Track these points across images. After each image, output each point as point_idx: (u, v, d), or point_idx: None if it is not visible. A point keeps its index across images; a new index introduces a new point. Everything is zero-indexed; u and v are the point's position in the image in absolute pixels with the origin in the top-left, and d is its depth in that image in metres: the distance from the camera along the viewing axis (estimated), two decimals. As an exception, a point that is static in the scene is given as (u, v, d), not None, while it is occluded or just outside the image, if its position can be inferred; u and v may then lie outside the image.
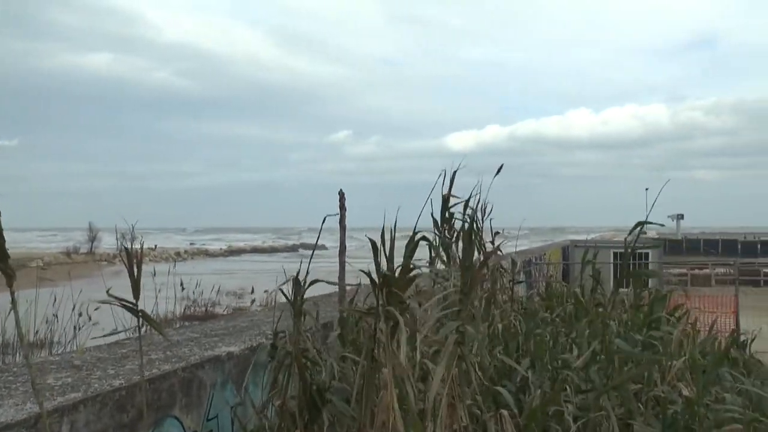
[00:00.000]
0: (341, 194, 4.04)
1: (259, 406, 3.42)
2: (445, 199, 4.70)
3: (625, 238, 4.26)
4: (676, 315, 6.06)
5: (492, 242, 5.42)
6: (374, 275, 2.99)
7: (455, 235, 4.70)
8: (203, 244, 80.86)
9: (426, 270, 4.36)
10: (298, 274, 3.26)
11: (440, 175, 4.41)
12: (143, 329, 2.62)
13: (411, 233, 3.27)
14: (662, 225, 4.73)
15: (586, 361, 4.01)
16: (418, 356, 2.83)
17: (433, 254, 4.70)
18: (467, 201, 4.63)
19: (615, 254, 15.42)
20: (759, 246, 40.04)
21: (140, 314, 2.37)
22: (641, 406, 3.90)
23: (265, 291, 17.52)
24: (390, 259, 3.08)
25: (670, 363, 4.25)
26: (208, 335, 3.85)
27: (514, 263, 6.62)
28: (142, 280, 2.36)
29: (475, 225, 4.62)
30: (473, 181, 4.77)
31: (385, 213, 3.18)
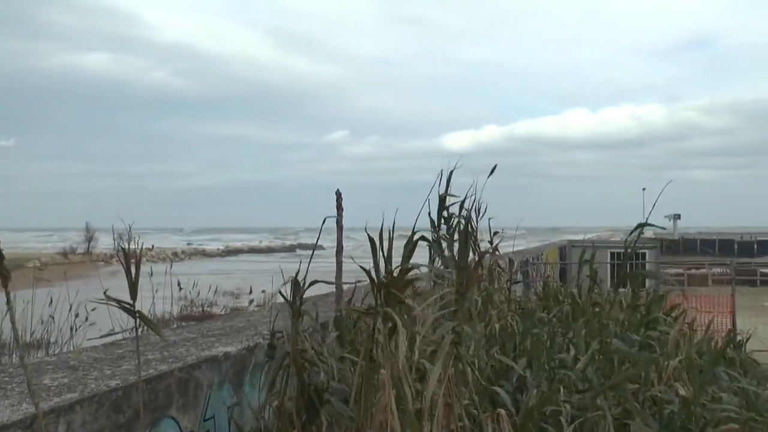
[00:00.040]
0: (338, 194, 4.04)
1: (256, 407, 3.42)
2: (442, 199, 4.71)
3: (626, 240, 4.27)
4: (673, 315, 6.06)
5: (490, 242, 5.43)
6: (373, 275, 2.99)
7: (452, 234, 4.70)
8: (200, 244, 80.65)
9: (425, 270, 4.36)
10: (297, 274, 3.26)
11: (438, 176, 4.42)
12: (140, 329, 2.62)
13: (409, 233, 3.27)
14: (663, 228, 4.75)
15: (586, 363, 4.01)
16: (416, 356, 2.83)
17: (432, 254, 4.70)
18: (462, 201, 4.63)
19: (612, 254, 15.42)
20: (756, 246, 40.21)
21: (137, 315, 2.37)
22: (638, 406, 3.91)
23: (263, 291, 17.51)
24: (388, 260, 3.08)
25: (666, 363, 4.26)
26: (205, 335, 3.85)
27: (511, 263, 6.62)
28: (140, 280, 2.36)
29: (470, 225, 4.62)
30: (471, 181, 4.78)
31: (384, 213, 3.18)
